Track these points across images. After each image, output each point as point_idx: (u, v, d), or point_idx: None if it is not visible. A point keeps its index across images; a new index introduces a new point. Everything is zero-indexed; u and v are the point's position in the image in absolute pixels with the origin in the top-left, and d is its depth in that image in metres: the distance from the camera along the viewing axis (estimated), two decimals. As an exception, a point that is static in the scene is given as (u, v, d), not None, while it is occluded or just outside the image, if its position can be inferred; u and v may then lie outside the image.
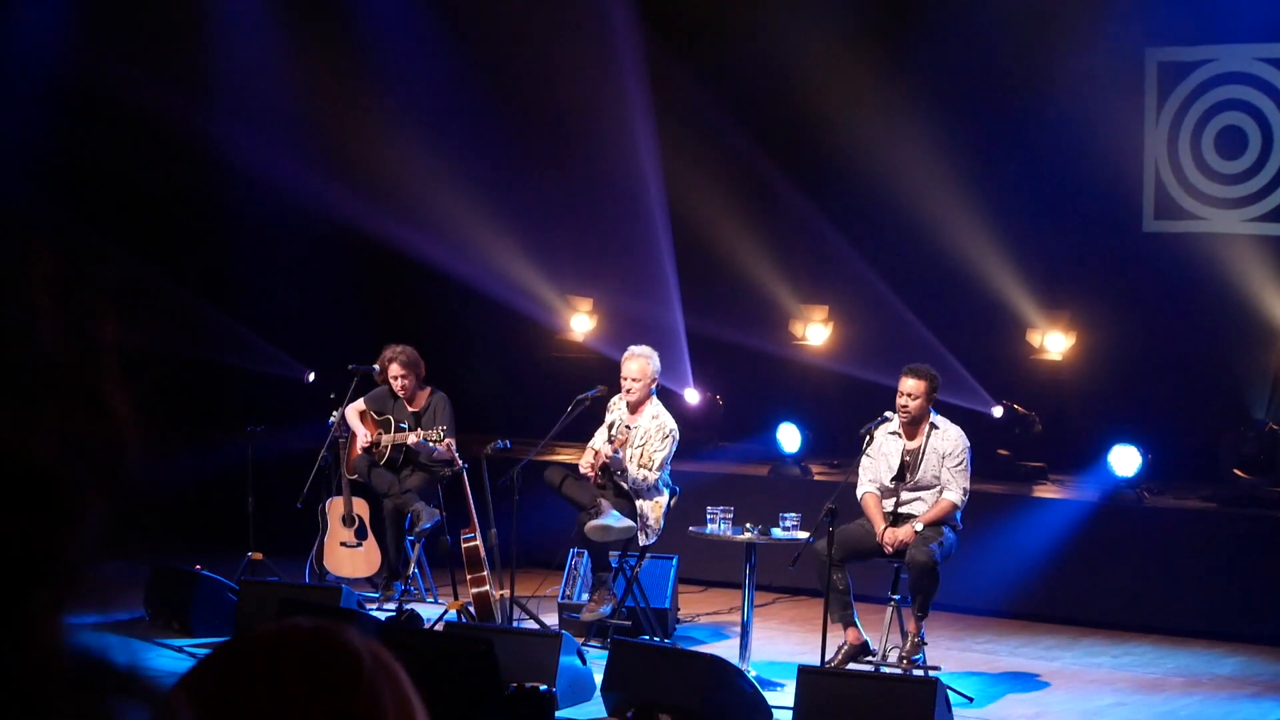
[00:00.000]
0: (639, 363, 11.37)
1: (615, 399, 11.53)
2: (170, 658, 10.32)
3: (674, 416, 11.53)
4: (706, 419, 15.17)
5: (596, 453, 11.35)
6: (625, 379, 11.37)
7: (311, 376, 15.33)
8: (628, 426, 11.28)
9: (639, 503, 11.24)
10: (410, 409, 12.48)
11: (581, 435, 12.00)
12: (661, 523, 11.27)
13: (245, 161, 15.43)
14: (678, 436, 11.33)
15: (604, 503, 11.15)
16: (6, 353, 1.14)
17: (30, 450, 1.12)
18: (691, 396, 15.07)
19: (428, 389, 12.55)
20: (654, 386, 11.44)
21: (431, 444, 12.13)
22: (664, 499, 11.29)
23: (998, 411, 13.99)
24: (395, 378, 12.31)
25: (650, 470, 11.18)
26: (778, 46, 15.29)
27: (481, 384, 15.38)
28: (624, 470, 11.15)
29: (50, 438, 1.13)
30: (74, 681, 1.13)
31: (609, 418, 11.53)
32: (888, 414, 10.69)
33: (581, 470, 11.32)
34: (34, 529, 1.12)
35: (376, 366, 12.59)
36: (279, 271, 16.05)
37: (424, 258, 15.92)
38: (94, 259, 1.23)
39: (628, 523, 11.16)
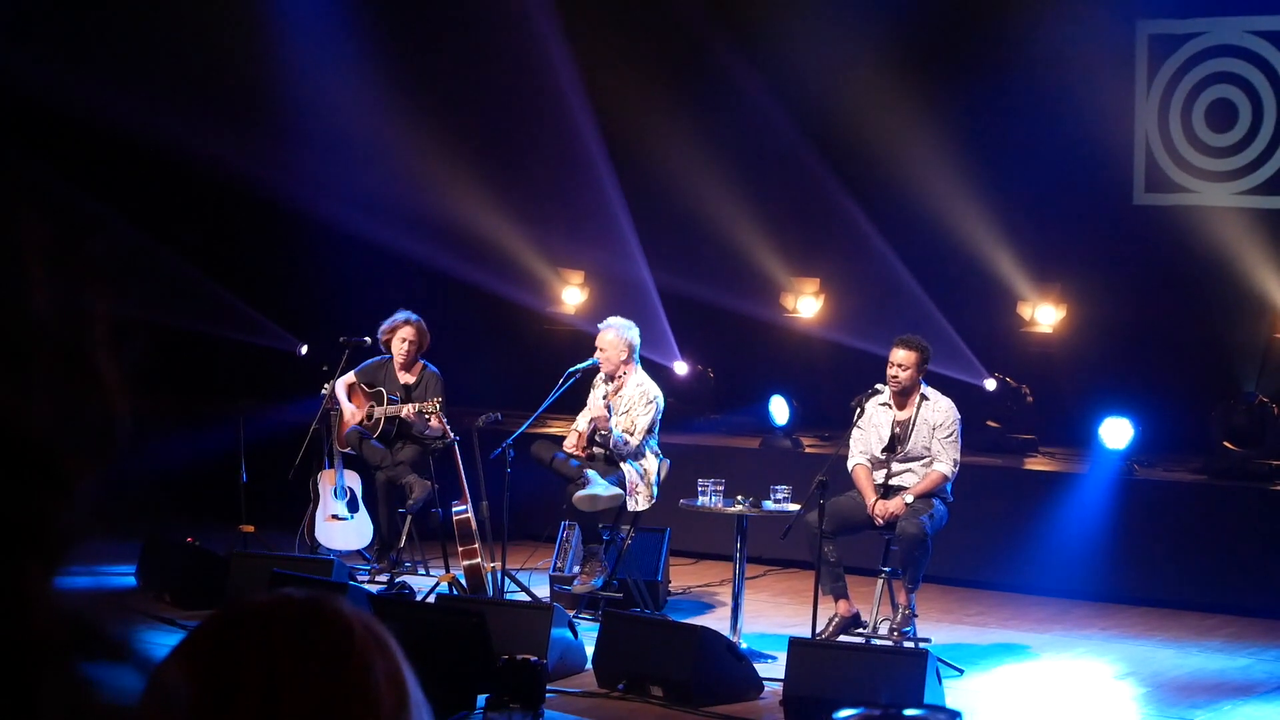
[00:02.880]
0: (611, 334, 11.43)
1: (600, 375, 11.57)
2: (161, 630, 10.32)
3: (664, 389, 11.56)
4: (697, 391, 15.17)
5: (580, 434, 11.40)
6: (597, 349, 11.43)
7: (305, 349, 15.32)
8: (607, 404, 11.31)
9: (627, 469, 11.25)
10: (402, 381, 12.50)
11: (573, 407, 12.01)
12: (655, 490, 11.28)
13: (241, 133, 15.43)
14: (662, 404, 11.38)
15: (590, 473, 11.17)
16: None
17: (22, 417, 1.13)
18: (680, 369, 15.07)
19: (421, 363, 12.59)
20: (629, 356, 11.46)
21: (427, 415, 12.16)
22: (653, 465, 11.31)
23: (990, 384, 14.00)
24: (404, 340, 12.40)
25: (633, 434, 11.22)
26: (768, 23, 15.26)
27: (473, 357, 15.37)
28: (609, 432, 11.18)
29: (42, 405, 1.14)
30: (65, 647, 1.13)
31: (593, 394, 11.55)
32: (878, 385, 10.70)
33: (567, 449, 11.35)
34: (26, 496, 1.12)
35: (368, 339, 12.60)
36: (272, 245, 16.05)
37: (413, 232, 15.94)
38: (86, 227, 1.23)
39: (616, 490, 11.18)
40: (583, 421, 11.51)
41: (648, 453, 11.34)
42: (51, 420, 1.14)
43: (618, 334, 11.44)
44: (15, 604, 1.12)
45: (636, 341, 11.53)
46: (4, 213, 1.17)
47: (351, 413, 12.43)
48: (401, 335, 12.45)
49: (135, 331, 1.24)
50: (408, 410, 12.22)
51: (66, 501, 1.15)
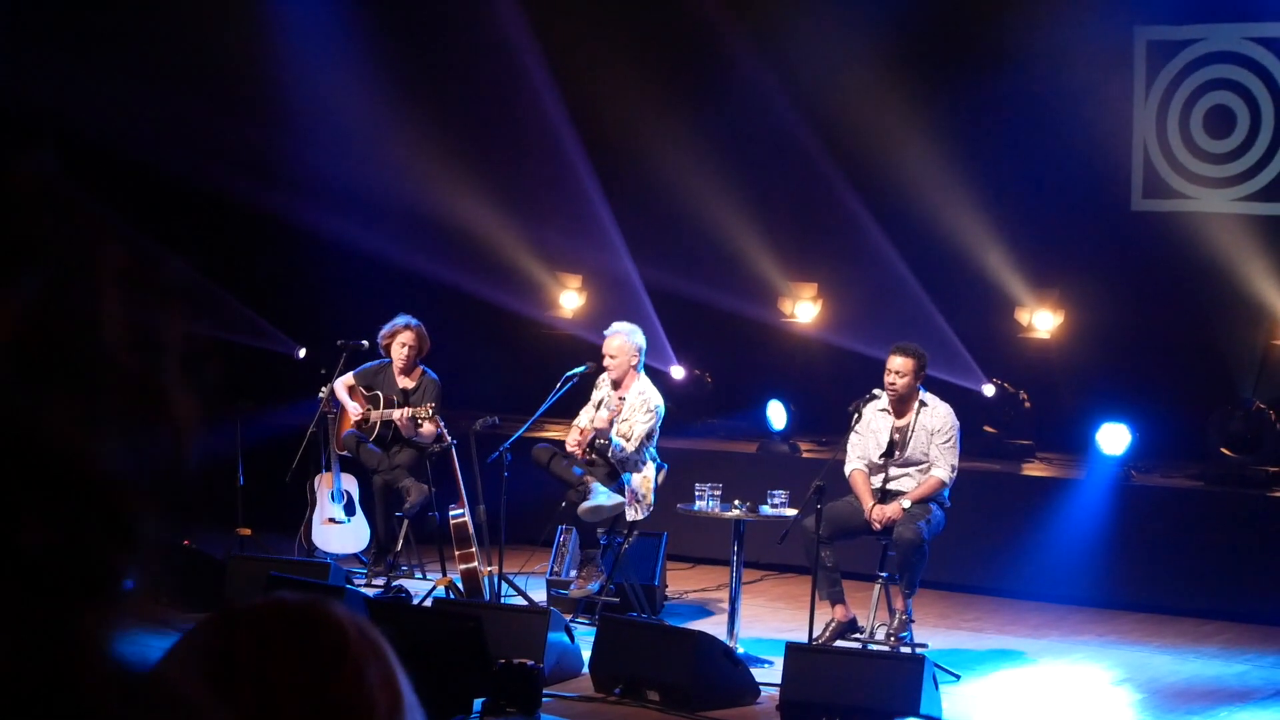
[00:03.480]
0: (618, 339, 11.43)
1: (602, 377, 11.56)
2: (157, 633, 10.30)
3: (661, 393, 11.56)
4: (695, 396, 15.17)
5: (583, 430, 11.38)
6: (605, 356, 11.43)
7: (303, 352, 15.31)
8: (621, 398, 11.32)
9: (625, 477, 11.25)
10: (401, 385, 12.51)
11: (571, 412, 12.01)
12: (652, 497, 11.29)
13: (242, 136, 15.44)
14: (662, 413, 11.37)
15: (590, 480, 11.17)
16: (70, 350, 1.08)
17: (89, 456, 1.06)
18: (677, 373, 15.07)
19: (420, 368, 12.60)
20: (638, 362, 11.46)
21: (420, 420, 12.16)
22: (651, 472, 11.31)
23: (989, 390, 13.99)
24: (404, 345, 12.41)
25: (629, 441, 11.22)
26: (767, 28, 15.27)
27: (471, 360, 15.36)
28: (608, 440, 11.18)
29: (110, 443, 1.07)
30: (118, 702, 1.07)
31: (595, 395, 11.56)
32: (876, 391, 10.70)
33: (569, 448, 11.35)
34: (87, 542, 1.06)
35: (366, 342, 12.61)
36: (271, 247, 16.05)
37: (413, 235, 15.97)
38: (158, 252, 1.18)
39: (618, 498, 11.19)
40: (584, 418, 11.49)
41: (647, 460, 11.33)
42: (119, 458, 1.08)
43: (625, 339, 11.43)
44: (69, 656, 1.06)
45: (643, 345, 11.54)
46: (83, 236, 1.11)
47: (355, 410, 12.43)
48: (401, 340, 12.46)
49: (208, 361, 1.17)
50: (398, 415, 12.23)
51: (129, 547, 1.09)
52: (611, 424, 11.23)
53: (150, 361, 1.12)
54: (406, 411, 12.23)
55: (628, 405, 11.32)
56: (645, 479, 11.29)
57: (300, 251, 16.07)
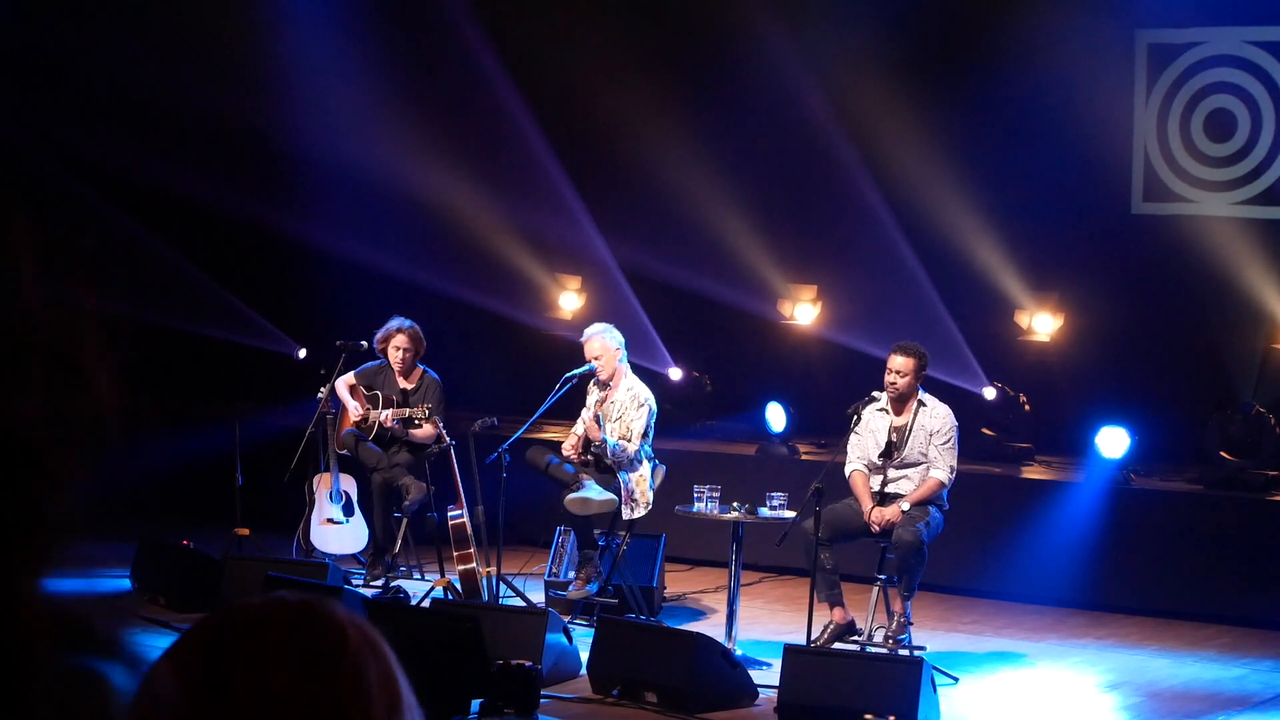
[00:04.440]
0: (598, 341, 11.47)
1: (593, 380, 11.59)
2: (156, 632, 10.31)
3: (661, 395, 11.58)
4: (693, 397, 15.17)
5: (579, 439, 11.41)
6: (590, 359, 11.45)
7: (303, 353, 15.32)
8: (611, 402, 11.34)
9: (621, 476, 11.26)
10: (402, 385, 12.50)
11: (569, 413, 12.01)
12: (650, 496, 11.29)
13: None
14: (654, 406, 11.40)
15: (584, 478, 11.19)
16: None
17: (13, 415, 1.12)
18: (675, 375, 15.06)
19: (420, 369, 12.59)
20: (622, 357, 11.49)
21: (418, 420, 12.16)
22: (647, 471, 11.31)
23: (990, 393, 13.99)
24: (399, 348, 12.38)
25: (630, 440, 11.23)
26: (762, 32, 15.26)
27: (469, 361, 15.36)
28: (603, 441, 11.20)
29: (32, 403, 1.13)
30: (54, 643, 1.14)
31: (589, 399, 11.58)
32: (875, 393, 10.70)
33: (564, 452, 11.37)
34: (15, 493, 1.12)
35: (365, 343, 12.60)
36: (272, 246, 16.05)
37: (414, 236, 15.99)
38: (75, 225, 1.23)
39: (608, 495, 11.19)
40: (582, 425, 11.51)
41: (643, 459, 11.34)
42: (41, 418, 1.14)
43: (603, 339, 11.47)
44: (4, 600, 1.11)
45: (622, 340, 11.57)
46: None
47: (355, 410, 12.43)
48: (396, 343, 12.43)
49: (123, 328, 1.23)
50: (385, 417, 12.22)
51: (55, 498, 1.14)
52: (599, 422, 11.24)
53: (67, 328, 1.17)
54: (390, 414, 12.22)
55: (620, 404, 11.34)
56: (641, 478, 11.29)
57: (300, 251, 16.06)
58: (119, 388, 1.20)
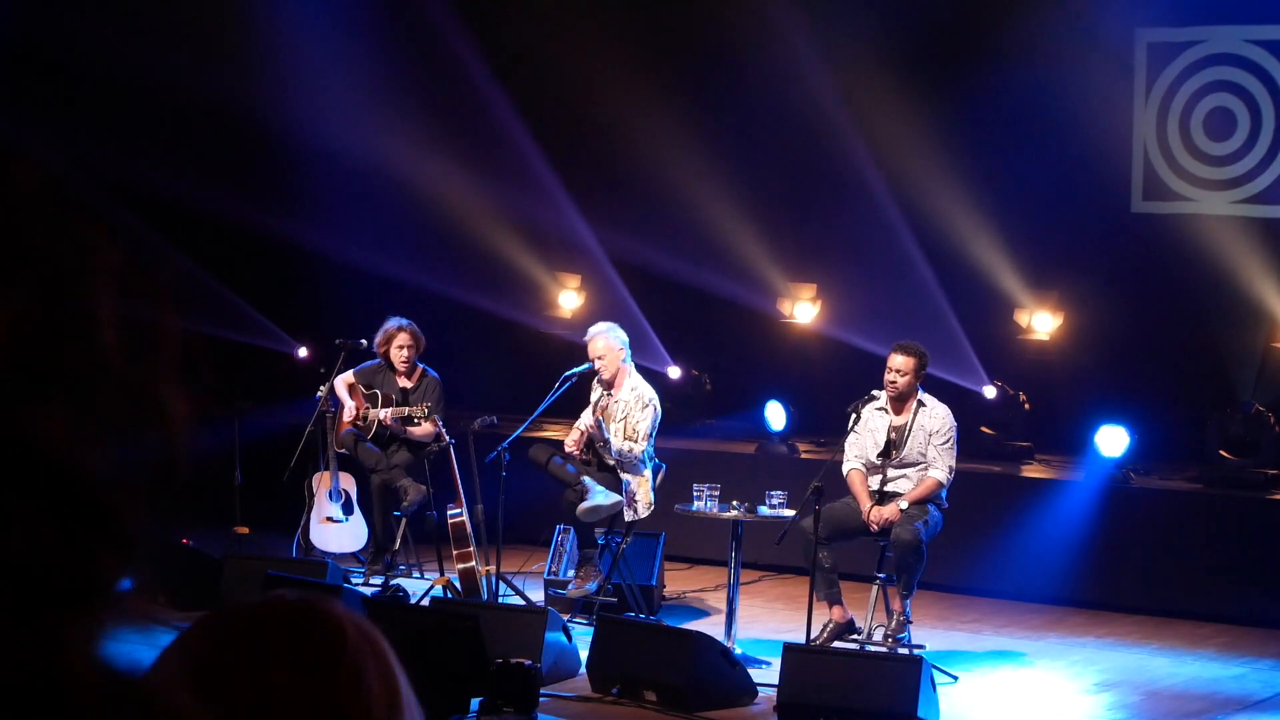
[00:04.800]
0: (601, 340, 11.44)
1: (597, 379, 11.58)
2: (155, 631, 10.29)
3: (660, 394, 11.57)
4: (693, 396, 15.16)
5: (581, 432, 11.39)
6: (593, 359, 11.43)
7: (303, 352, 15.31)
8: (615, 402, 11.33)
9: (626, 478, 11.26)
10: (402, 384, 12.49)
11: (568, 412, 12.01)
12: (651, 497, 11.29)
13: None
14: (658, 406, 11.39)
15: (588, 481, 11.17)
16: (65, 354, 1.06)
17: (82, 461, 1.04)
18: (673, 373, 15.06)
19: (420, 367, 12.58)
20: (626, 356, 11.48)
21: (417, 419, 12.15)
22: (649, 473, 11.31)
23: (990, 392, 13.98)
24: (401, 347, 12.37)
25: (636, 441, 11.23)
26: (762, 31, 15.25)
27: (469, 360, 15.36)
28: (607, 442, 11.19)
29: (103, 447, 1.05)
30: (104, 707, 1.05)
31: (592, 398, 11.57)
32: (874, 392, 10.70)
33: (567, 448, 11.35)
34: (78, 547, 1.04)
35: (364, 341, 12.59)
36: (273, 245, 16.06)
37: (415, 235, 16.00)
38: (154, 253, 1.15)
39: (615, 497, 11.19)
40: (586, 420, 11.50)
41: (645, 460, 11.33)
42: (112, 464, 1.05)
43: (607, 339, 11.45)
44: (56, 665, 1.04)
45: (625, 339, 11.56)
46: (80, 238, 1.08)
47: (352, 409, 12.42)
48: (398, 342, 12.41)
49: (203, 364, 1.14)
50: (384, 416, 12.21)
51: (120, 555, 1.07)
52: (599, 425, 11.23)
53: (145, 365, 1.09)
54: (389, 413, 12.22)
55: (624, 404, 11.32)
56: (643, 479, 11.29)
57: (300, 250, 16.06)
58: (195, 429, 1.12)
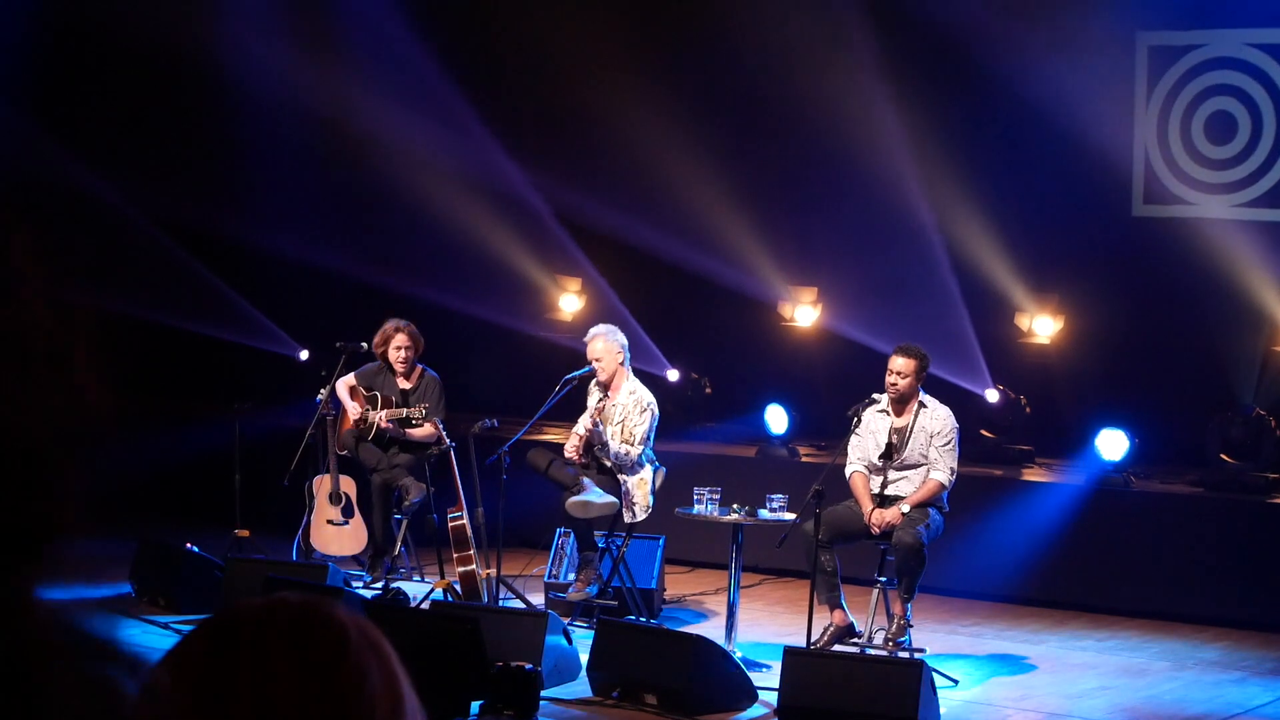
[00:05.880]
0: (601, 342, 11.43)
1: (594, 381, 11.57)
2: (156, 634, 10.31)
3: (660, 397, 11.56)
4: (693, 400, 15.16)
5: (580, 438, 11.39)
6: (591, 360, 11.41)
7: (305, 354, 15.32)
8: (603, 401, 11.33)
9: (624, 480, 11.25)
10: (402, 386, 12.49)
11: (568, 415, 12.00)
12: (650, 499, 11.29)
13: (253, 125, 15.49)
14: (656, 410, 11.39)
15: (585, 480, 11.17)
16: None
17: (13, 422, 1.12)
18: (671, 376, 15.05)
19: (420, 368, 12.58)
20: (624, 359, 11.48)
21: (415, 421, 12.15)
22: (648, 475, 11.30)
23: (993, 395, 13.98)
24: (399, 348, 12.36)
25: (633, 445, 11.22)
26: (762, 30, 15.25)
27: (469, 362, 15.36)
28: (605, 444, 11.18)
29: (31, 409, 1.13)
30: (56, 650, 1.13)
31: (590, 401, 11.56)
32: (875, 396, 10.70)
33: (566, 454, 11.34)
34: (16, 496, 1.12)
35: (365, 344, 12.58)
36: (280, 249, 16.08)
37: (417, 239, 16.02)
38: (69, 229, 1.24)
39: (609, 498, 11.18)
40: (583, 425, 11.49)
41: (644, 463, 11.33)
42: (40, 423, 1.14)
43: (606, 341, 11.44)
44: (8, 605, 1.11)
45: (625, 342, 11.56)
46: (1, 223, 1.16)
47: (354, 410, 12.42)
48: (396, 344, 12.40)
49: (115, 330, 1.24)
50: (382, 417, 12.21)
51: (54, 504, 1.14)
52: (596, 425, 11.23)
53: (63, 334, 1.17)
54: (386, 415, 12.21)
55: (621, 407, 11.32)
56: (642, 481, 11.29)
57: (303, 250, 16.08)
58: (112, 389, 1.19)
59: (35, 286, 1.16)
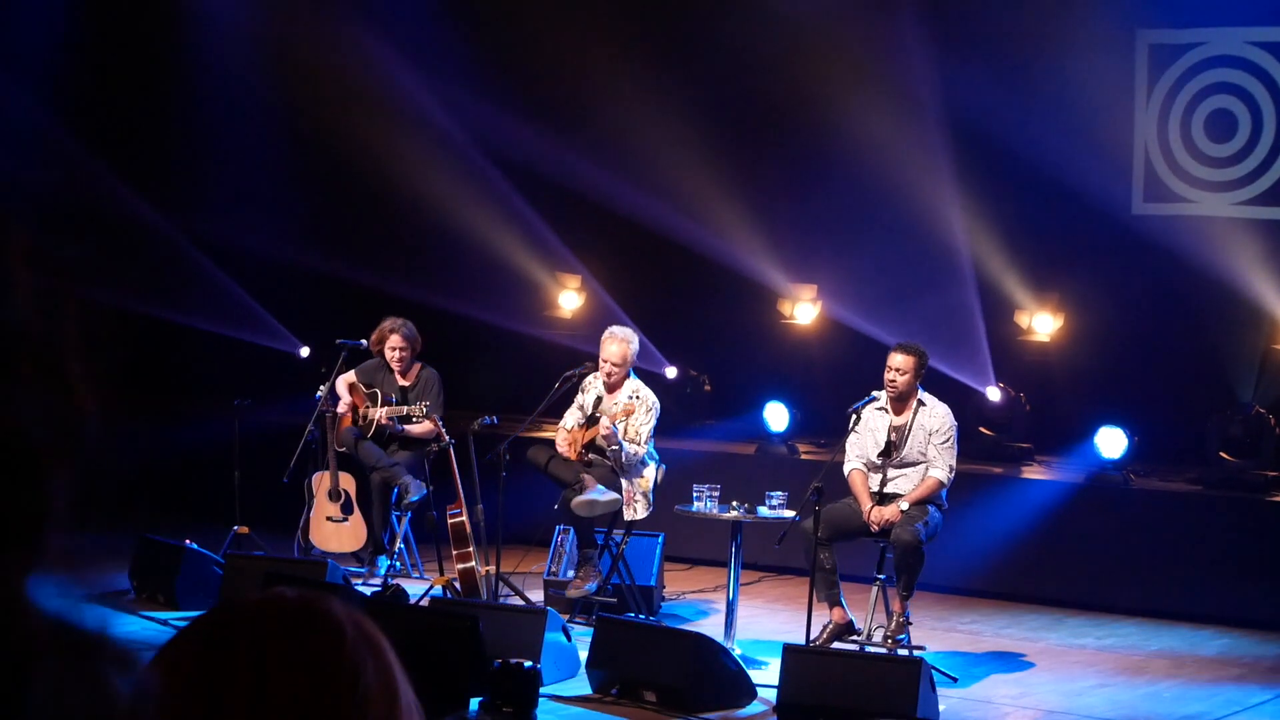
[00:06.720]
0: (620, 347, 11.35)
1: (591, 378, 11.53)
2: (155, 630, 10.31)
3: (660, 395, 11.55)
4: (692, 398, 15.16)
5: (571, 432, 11.37)
6: (606, 362, 11.35)
7: (305, 351, 15.31)
8: (614, 403, 11.30)
9: (626, 481, 11.24)
10: (400, 383, 12.48)
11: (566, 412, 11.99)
12: (651, 496, 11.28)
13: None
14: (658, 409, 11.37)
15: (587, 478, 11.16)
16: None
17: (5, 417, 1.13)
18: (670, 373, 15.05)
19: (418, 364, 12.57)
20: (631, 366, 11.48)
21: (414, 418, 12.14)
22: (651, 472, 11.30)
23: (994, 394, 13.98)
24: (394, 349, 12.35)
25: (638, 444, 11.21)
26: (756, 25, 15.25)
27: (468, 360, 15.36)
28: (620, 447, 11.13)
29: (22, 405, 1.14)
30: (46, 642, 1.13)
31: (580, 398, 11.53)
32: (875, 394, 10.69)
33: (560, 450, 11.33)
34: (9, 492, 1.12)
35: (364, 341, 12.58)
36: (280, 244, 16.08)
37: (418, 237, 16.02)
38: (60, 229, 1.25)
39: (613, 495, 11.17)
40: (570, 420, 11.47)
41: (646, 460, 11.32)
42: (30, 418, 1.15)
43: (625, 351, 11.37)
44: (1, 600, 1.12)
45: (638, 349, 11.53)
46: None
47: (348, 404, 12.41)
48: (391, 344, 12.39)
49: (103, 331, 1.25)
50: (382, 414, 12.21)
51: (45, 498, 1.15)
52: (615, 427, 11.18)
53: (53, 332, 1.19)
54: (385, 412, 12.21)
55: (624, 407, 11.27)
56: (643, 479, 11.28)
57: (304, 247, 16.08)
58: (102, 385, 1.21)
59: (25, 283, 1.16)
